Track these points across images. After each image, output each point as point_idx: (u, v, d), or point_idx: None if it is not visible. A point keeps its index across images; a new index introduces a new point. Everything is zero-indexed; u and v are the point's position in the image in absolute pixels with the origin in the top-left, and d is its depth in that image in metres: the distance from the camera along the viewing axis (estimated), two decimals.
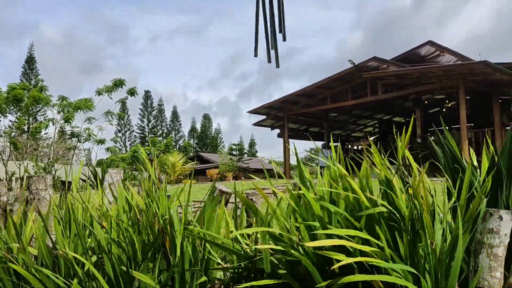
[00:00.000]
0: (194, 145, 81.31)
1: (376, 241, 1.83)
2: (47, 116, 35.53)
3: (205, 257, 2.20)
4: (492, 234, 1.97)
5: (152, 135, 73.00)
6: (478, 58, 13.26)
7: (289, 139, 20.37)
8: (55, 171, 15.66)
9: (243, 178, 20.59)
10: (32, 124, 20.81)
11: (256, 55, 1.72)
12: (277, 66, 1.71)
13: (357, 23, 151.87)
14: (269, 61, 1.69)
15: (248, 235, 2.29)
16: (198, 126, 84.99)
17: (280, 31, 1.95)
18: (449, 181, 2.60)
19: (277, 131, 21.55)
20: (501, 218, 1.97)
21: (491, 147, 2.72)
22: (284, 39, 1.70)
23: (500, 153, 2.60)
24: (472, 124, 17.40)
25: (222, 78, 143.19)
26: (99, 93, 16.09)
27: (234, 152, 32.37)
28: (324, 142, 20.97)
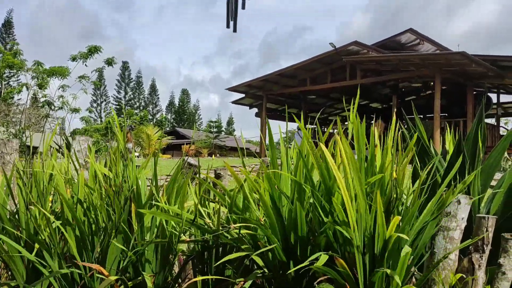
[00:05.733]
0: (172, 120, 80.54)
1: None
2: (20, 81, 34.46)
3: (169, 231, 2.20)
4: (449, 217, 2.03)
5: (129, 108, 71.90)
6: (466, 50, 13.41)
7: (267, 119, 20.37)
8: (26, 137, 15.32)
9: (218, 155, 20.60)
10: (4, 89, 20.20)
11: (228, 27, 1.73)
12: (234, 30, 1.74)
13: (367, 8, 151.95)
14: (228, 26, 1.71)
15: (213, 209, 2.30)
16: (177, 102, 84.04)
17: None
18: (417, 166, 2.65)
19: (255, 110, 21.52)
20: (459, 202, 2.03)
21: (457, 136, 2.78)
22: (243, 7, 1.72)
23: (465, 141, 2.67)
24: (446, 114, 17.75)
25: (218, 55, 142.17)
26: (73, 59, 15.64)
27: (212, 130, 32.26)
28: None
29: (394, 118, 2.19)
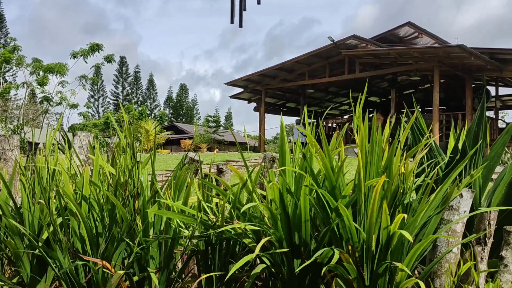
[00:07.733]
0: (169, 115, 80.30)
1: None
2: (16, 76, 34.27)
3: (173, 227, 2.21)
4: (451, 211, 2.04)
5: (127, 103, 71.74)
6: (471, 44, 13.40)
7: (265, 114, 20.36)
8: (25, 133, 15.31)
9: (217, 150, 20.60)
10: (2, 84, 20.14)
11: (232, 22, 1.73)
12: (240, 25, 1.74)
13: (374, 1, 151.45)
14: (232, 21, 1.71)
15: (216, 204, 2.31)
16: (175, 96, 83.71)
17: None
18: (424, 160, 2.66)
19: (254, 105, 21.48)
20: (461, 195, 2.04)
21: (458, 129, 2.79)
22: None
23: (466, 135, 2.68)
24: (445, 107, 17.75)
25: (221, 49, 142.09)
26: (74, 56, 15.64)
27: (210, 124, 32.21)
28: (298, 118, 21.07)
29: (404, 113, 2.18)
